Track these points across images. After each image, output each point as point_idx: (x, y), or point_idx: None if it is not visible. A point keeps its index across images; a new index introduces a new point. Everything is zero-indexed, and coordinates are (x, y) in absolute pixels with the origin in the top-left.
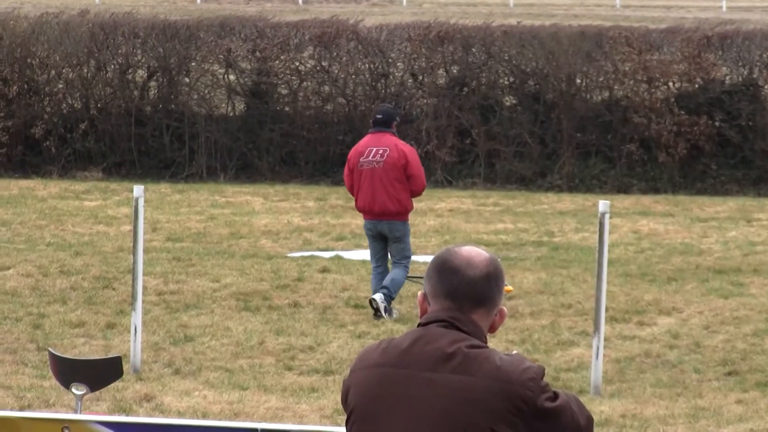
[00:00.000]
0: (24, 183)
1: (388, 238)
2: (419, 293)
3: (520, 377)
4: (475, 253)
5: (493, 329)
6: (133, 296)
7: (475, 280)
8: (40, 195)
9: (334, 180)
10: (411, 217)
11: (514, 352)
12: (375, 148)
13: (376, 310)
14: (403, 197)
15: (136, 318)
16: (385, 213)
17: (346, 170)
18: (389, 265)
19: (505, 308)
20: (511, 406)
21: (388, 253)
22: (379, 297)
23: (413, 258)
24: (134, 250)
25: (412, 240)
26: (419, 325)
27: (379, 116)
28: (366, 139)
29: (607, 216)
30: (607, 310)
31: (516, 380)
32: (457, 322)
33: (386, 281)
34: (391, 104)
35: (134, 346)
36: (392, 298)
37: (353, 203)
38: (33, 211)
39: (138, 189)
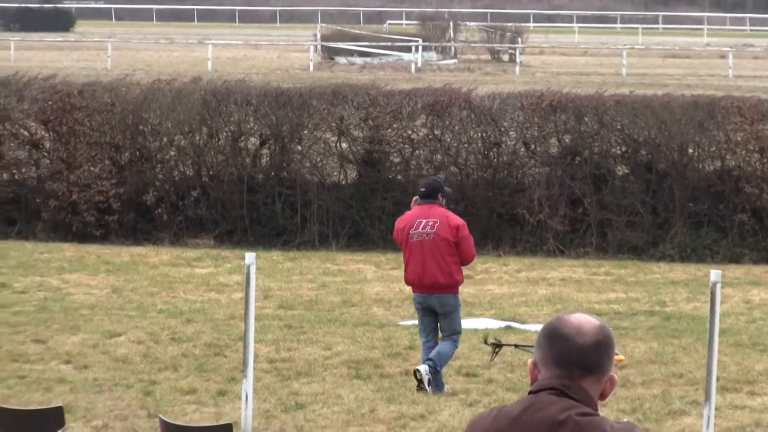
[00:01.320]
0: (136, 250)
1: (438, 312)
2: (530, 361)
3: None
4: (585, 320)
5: (603, 397)
6: (245, 363)
7: (585, 347)
8: (151, 262)
9: None
10: (521, 285)
11: (625, 420)
12: (425, 220)
13: (420, 382)
14: (454, 269)
15: (247, 385)
16: (436, 286)
17: (395, 236)
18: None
19: (615, 376)
20: None
21: (442, 330)
22: (423, 369)
23: (521, 326)
24: (246, 318)
25: (524, 310)
26: (530, 392)
27: (423, 189)
28: (414, 211)
29: (718, 285)
30: (718, 379)
31: None
32: (567, 390)
33: (433, 353)
34: (440, 177)
35: (245, 414)
36: (437, 372)
37: (465, 272)
38: (144, 278)
39: (250, 256)
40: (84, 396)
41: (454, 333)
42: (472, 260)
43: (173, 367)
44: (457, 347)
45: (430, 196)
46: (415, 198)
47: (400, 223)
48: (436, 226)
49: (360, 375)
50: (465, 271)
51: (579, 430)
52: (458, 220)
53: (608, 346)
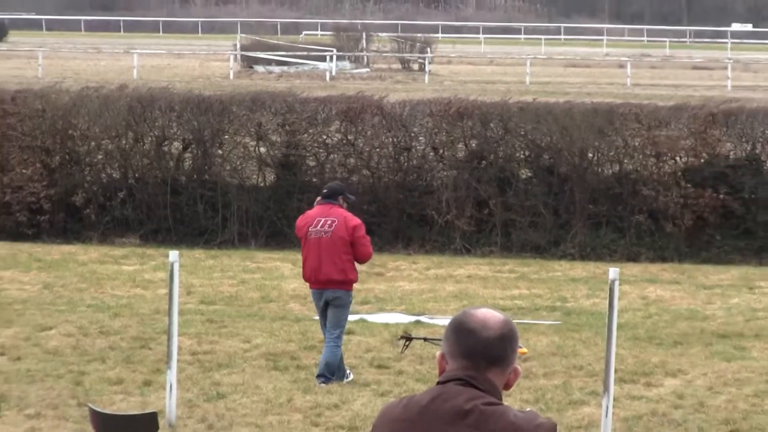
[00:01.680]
0: (65, 248)
1: (329, 305)
2: (438, 353)
3: None
4: (490, 315)
5: (507, 387)
6: (169, 355)
7: (490, 340)
8: (80, 259)
9: None
10: (430, 282)
11: (528, 409)
12: (324, 219)
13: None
14: (348, 267)
15: (172, 376)
16: (330, 282)
17: (296, 232)
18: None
19: (519, 367)
20: None
21: (328, 322)
22: (320, 382)
23: (430, 320)
24: (170, 312)
25: (433, 305)
26: (438, 383)
27: (325, 191)
28: (315, 210)
29: (616, 283)
30: (616, 371)
31: None
32: (473, 381)
33: (321, 367)
34: (351, 184)
35: (169, 403)
36: (332, 377)
37: (375, 269)
38: (74, 274)
39: (173, 254)
40: (17, 386)
41: (337, 326)
42: (368, 259)
43: (101, 359)
44: (339, 346)
45: (331, 197)
46: (318, 198)
47: (301, 221)
48: (334, 225)
49: (278, 366)
50: (376, 268)
51: (484, 419)
52: (355, 221)
53: (512, 339)
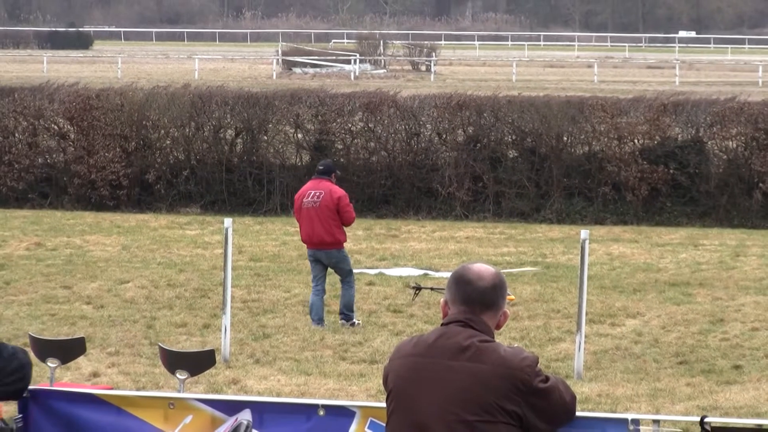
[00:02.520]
0: (140, 216)
1: (326, 264)
2: (441, 300)
3: (520, 364)
4: (484, 268)
5: (498, 327)
6: (224, 303)
7: (484, 289)
8: (152, 226)
9: (378, 214)
10: (435, 242)
11: (515, 345)
12: (314, 191)
13: (351, 324)
14: (336, 231)
15: (226, 320)
16: (323, 243)
17: (295, 208)
18: (326, 286)
19: (508, 311)
20: (512, 386)
21: (339, 275)
22: (342, 323)
23: (436, 274)
24: (225, 268)
25: (438, 261)
26: (442, 324)
27: (320, 167)
28: (308, 184)
29: (587, 242)
30: (586, 314)
31: (516, 366)
32: (471, 322)
33: (341, 308)
34: (333, 161)
35: (224, 342)
36: (351, 315)
37: (392, 232)
38: (147, 238)
39: (227, 221)
40: (100, 329)
41: (347, 275)
42: (352, 222)
43: (169, 307)
44: (353, 286)
45: (324, 173)
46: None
47: (298, 194)
48: (321, 196)
49: None
50: (392, 231)
51: (479, 353)
52: (339, 192)
53: (502, 288)
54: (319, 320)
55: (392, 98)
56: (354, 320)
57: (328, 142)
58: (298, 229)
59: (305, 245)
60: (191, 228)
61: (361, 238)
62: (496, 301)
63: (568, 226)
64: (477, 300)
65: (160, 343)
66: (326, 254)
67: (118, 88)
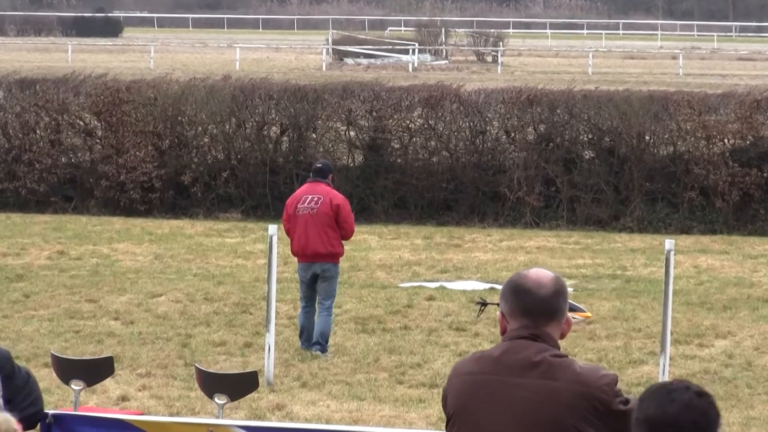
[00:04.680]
0: (174, 223)
1: (318, 278)
2: (498, 313)
3: (598, 383)
4: (542, 273)
5: (562, 336)
6: (268, 319)
7: (546, 298)
8: (188, 233)
9: (439, 221)
10: (503, 253)
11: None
12: (311, 196)
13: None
14: (334, 242)
15: (270, 338)
16: (317, 255)
17: (284, 215)
18: (317, 306)
19: (570, 316)
20: (589, 406)
21: (319, 294)
22: (316, 352)
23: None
24: (268, 280)
25: (505, 274)
26: (504, 340)
27: (318, 166)
28: (303, 188)
29: (672, 253)
30: (671, 333)
31: (594, 385)
32: (538, 337)
33: (317, 336)
34: (331, 161)
35: (268, 363)
36: (326, 345)
37: (454, 241)
38: (182, 246)
39: (272, 228)
40: (130, 348)
41: (328, 297)
42: (351, 235)
43: (206, 323)
44: (331, 315)
45: (321, 174)
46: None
47: (290, 199)
48: (319, 202)
49: (365, 329)
50: (454, 240)
51: (552, 369)
52: (340, 198)
53: (564, 294)
54: (307, 339)
55: (455, 92)
56: (327, 352)
57: (383, 140)
58: (289, 242)
59: (296, 258)
60: (231, 235)
61: (420, 247)
62: (560, 308)
63: (650, 236)
64: (539, 311)
65: (196, 364)
66: (321, 267)
67: (150, 80)
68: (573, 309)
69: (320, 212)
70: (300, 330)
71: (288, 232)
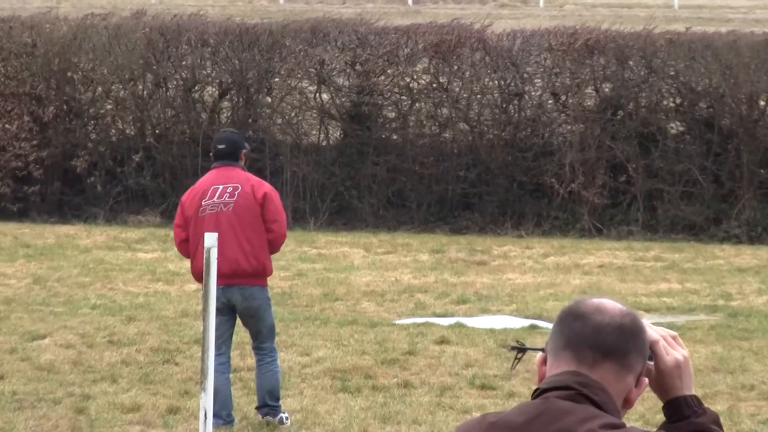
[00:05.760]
0: (62, 229)
1: (239, 312)
2: (538, 356)
3: None
4: (609, 302)
5: (629, 402)
6: (203, 373)
7: (602, 326)
8: (82, 244)
9: (454, 227)
10: (549, 274)
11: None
12: (222, 186)
13: (279, 421)
14: (262, 253)
15: (206, 401)
16: (238, 274)
17: (178, 219)
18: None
19: (647, 379)
20: None
21: (252, 337)
22: (263, 414)
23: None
24: (205, 314)
25: (553, 305)
26: (535, 393)
27: (221, 146)
28: (208, 176)
29: None
30: None
31: None
32: (584, 388)
33: (263, 397)
34: (241, 132)
35: None
36: (278, 402)
37: (477, 257)
38: (74, 264)
39: (210, 237)
40: (0, 414)
41: (269, 336)
42: (281, 244)
43: (111, 378)
44: (277, 360)
45: (230, 155)
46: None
47: (188, 194)
48: (237, 193)
49: (347, 387)
50: (477, 255)
51: None
52: (267, 187)
53: (635, 335)
54: (228, 415)
55: (478, 35)
56: (282, 413)
57: (372, 107)
58: (189, 259)
59: (199, 282)
60: (146, 248)
61: (426, 266)
62: (623, 348)
63: (767, 248)
64: (590, 342)
65: None
66: (242, 293)
67: (26, 17)
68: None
69: (240, 208)
70: (214, 394)
71: (182, 245)
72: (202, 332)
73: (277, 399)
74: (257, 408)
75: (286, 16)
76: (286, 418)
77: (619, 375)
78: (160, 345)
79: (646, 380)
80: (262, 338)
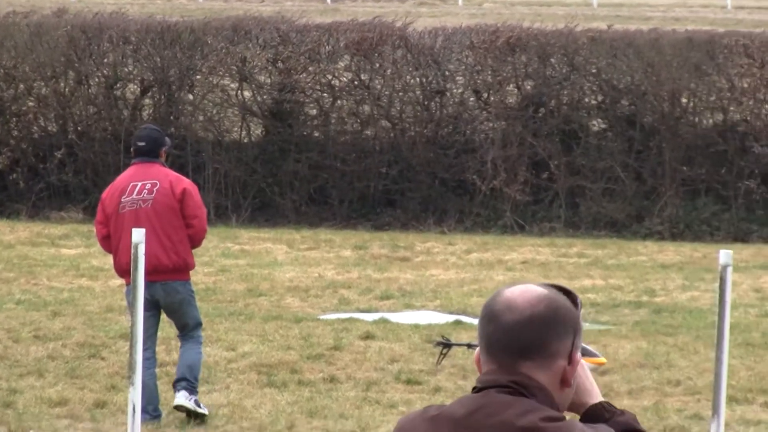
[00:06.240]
0: None
1: (162, 307)
2: (476, 352)
3: None
4: (520, 292)
5: (566, 382)
6: (131, 367)
7: (511, 325)
8: (6, 240)
9: (376, 223)
10: (473, 269)
11: (600, 425)
12: (140, 183)
13: (189, 413)
14: (183, 248)
15: (135, 395)
16: (159, 270)
17: (99, 216)
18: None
19: (578, 355)
20: None
21: (178, 329)
22: (182, 397)
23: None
24: (133, 309)
25: (476, 300)
26: (475, 389)
27: (141, 143)
28: (127, 173)
29: (729, 269)
30: (726, 388)
31: None
32: (521, 386)
33: (182, 370)
34: (160, 128)
35: (132, 431)
36: (196, 386)
37: (400, 252)
38: None
39: (138, 233)
40: None
41: (195, 328)
42: (202, 238)
43: (38, 373)
44: (201, 343)
45: (150, 152)
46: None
47: (107, 192)
48: (155, 189)
49: (273, 382)
50: (400, 251)
51: None
52: (185, 182)
53: (549, 320)
54: (155, 410)
55: (400, 33)
56: (197, 395)
57: (293, 104)
58: (113, 255)
59: (123, 279)
60: (70, 244)
61: (349, 261)
62: (537, 343)
63: (689, 244)
64: (503, 345)
65: None
66: (164, 288)
67: None
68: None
69: (158, 204)
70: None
71: (104, 241)
72: (130, 327)
73: (196, 379)
74: (175, 382)
75: (205, 14)
76: (201, 406)
77: (544, 365)
78: (86, 340)
79: (578, 356)
80: (189, 329)
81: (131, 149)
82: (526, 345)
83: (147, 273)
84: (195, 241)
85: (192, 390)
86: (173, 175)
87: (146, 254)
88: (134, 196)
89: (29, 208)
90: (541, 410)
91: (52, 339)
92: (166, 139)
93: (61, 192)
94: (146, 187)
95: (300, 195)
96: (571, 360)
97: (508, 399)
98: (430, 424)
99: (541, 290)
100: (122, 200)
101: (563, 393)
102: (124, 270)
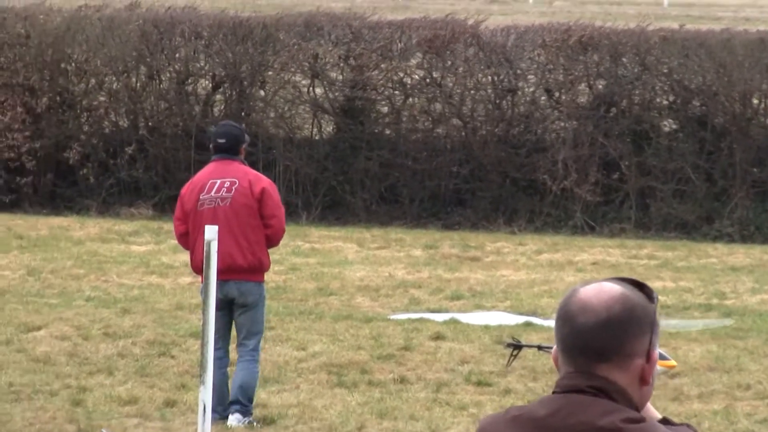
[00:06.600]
0: (55, 221)
1: (235, 305)
2: (552, 351)
3: None
4: (594, 292)
5: (645, 381)
6: (202, 366)
7: (587, 329)
8: (75, 236)
9: (447, 223)
10: (543, 270)
11: (681, 424)
12: (219, 181)
13: (249, 422)
14: (259, 248)
15: (205, 394)
16: (234, 269)
17: (178, 212)
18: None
19: (655, 353)
20: None
21: (237, 331)
22: (235, 420)
23: (544, 322)
24: (204, 308)
25: (547, 302)
26: (555, 392)
27: (221, 140)
28: (207, 170)
29: None
30: None
31: None
32: (601, 388)
33: (235, 391)
34: (240, 124)
35: (202, 430)
36: (249, 406)
37: (470, 252)
38: (67, 256)
39: (211, 230)
40: None
41: (253, 335)
42: (280, 239)
43: (108, 370)
44: (258, 361)
45: (230, 149)
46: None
47: (186, 188)
48: (234, 188)
49: (343, 382)
50: (470, 251)
51: None
52: (264, 181)
53: (624, 321)
54: (225, 410)
55: (472, 30)
56: (253, 419)
57: (364, 101)
58: (189, 253)
59: (199, 275)
60: (140, 240)
61: (420, 261)
62: (617, 345)
63: (759, 246)
64: (579, 348)
65: (104, 430)
66: (239, 288)
67: (20, 8)
68: None
69: (236, 203)
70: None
71: (182, 238)
72: (202, 325)
73: (250, 400)
74: (228, 404)
75: (276, 9)
76: (257, 423)
77: (622, 366)
78: (156, 338)
79: (656, 354)
80: (247, 335)
81: (210, 145)
82: (602, 347)
83: (221, 272)
84: (273, 241)
85: (245, 413)
86: (252, 173)
87: (221, 253)
88: (213, 194)
89: (99, 204)
90: (622, 411)
91: (122, 336)
92: (246, 136)
93: (131, 188)
94: (225, 186)
95: (371, 193)
96: (649, 358)
97: (588, 399)
98: (511, 424)
99: (616, 289)
100: (201, 197)
101: (642, 391)
102: (201, 268)
